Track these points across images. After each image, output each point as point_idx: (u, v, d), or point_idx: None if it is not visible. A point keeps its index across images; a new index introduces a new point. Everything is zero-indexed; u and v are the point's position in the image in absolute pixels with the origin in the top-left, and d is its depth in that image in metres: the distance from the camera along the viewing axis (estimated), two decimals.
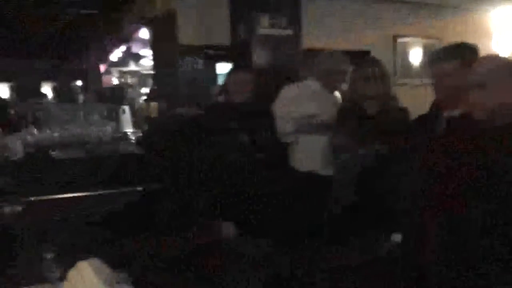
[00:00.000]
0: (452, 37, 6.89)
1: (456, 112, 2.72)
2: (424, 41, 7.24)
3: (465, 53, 2.88)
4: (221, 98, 4.11)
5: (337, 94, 3.72)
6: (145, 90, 9.42)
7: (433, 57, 2.90)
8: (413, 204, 2.19)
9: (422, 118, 3.04)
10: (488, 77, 2.20)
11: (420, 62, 7.25)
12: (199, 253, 2.51)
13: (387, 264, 2.22)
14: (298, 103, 3.46)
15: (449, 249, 1.96)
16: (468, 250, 1.90)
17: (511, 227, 1.84)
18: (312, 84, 3.57)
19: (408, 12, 6.97)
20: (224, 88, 3.63)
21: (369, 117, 3.26)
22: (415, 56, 7.25)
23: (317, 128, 3.39)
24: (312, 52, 4.47)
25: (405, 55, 7.17)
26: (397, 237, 2.79)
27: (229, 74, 3.79)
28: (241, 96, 3.49)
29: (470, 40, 6.27)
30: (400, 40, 7.08)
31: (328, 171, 3.38)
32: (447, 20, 7.25)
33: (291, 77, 4.24)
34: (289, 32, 4.82)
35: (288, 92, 3.57)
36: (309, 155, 3.43)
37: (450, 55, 2.83)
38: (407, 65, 7.17)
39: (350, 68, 3.50)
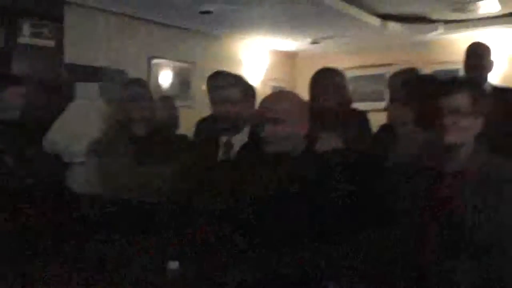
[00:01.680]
0: (205, 63, 7.22)
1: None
2: (177, 64, 7.35)
3: (241, 81, 3.00)
4: None
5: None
6: None
7: (210, 83, 2.95)
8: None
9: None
10: (282, 113, 2.32)
11: (171, 85, 7.30)
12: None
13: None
14: (88, 124, 3.18)
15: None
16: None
17: None
18: (101, 106, 3.30)
19: (163, 34, 7.02)
20: None
21: (139, 139, 3.13)
22: (167, 78, 7.27)
23: (102, 151, 3.14)
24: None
25: (158, 77, 7.17)
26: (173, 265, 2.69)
27: None
28: (9, 113, 3.07)
29: (222, 67, 6.60)
30: (154, 61, 7.08)
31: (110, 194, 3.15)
32: (200, 45, 7.52)
33: (56, 92, 3.94)
34: (51, 43, 4.48)
35: (76, 110, 3.25)
36: (94, 177, 3.16)
37: (228, 82, 2.90)
38: (159, 87, 7.16)
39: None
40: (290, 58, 9.40)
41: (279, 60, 9.11)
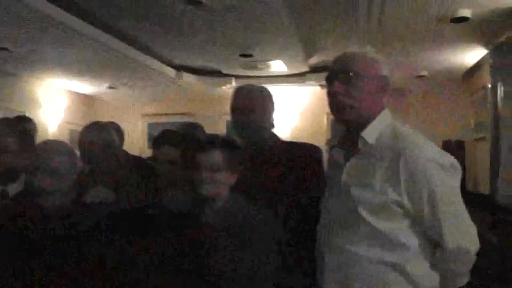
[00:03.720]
0: (2, 102, 6.94)
1: None
2: None
3: (19, 129, 3.03)
4: None
5: None
6: None
7: None
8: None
9: None
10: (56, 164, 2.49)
11: None
12: None
13: None
14: None
15: None
16: None
17: None
18: None
19: None
20: None
21: None
22: None
23: None
24: None
25: None
26: None
27: None
28: None
29: (20, 107, 6.35)
30: None
31: None
32: None
33: None
34: None
35: None
36: None
37: (5, 130, 2.92)
38: None
39: None
40: (88, 101, 9.42)
41: (78, 102, 9.08)
